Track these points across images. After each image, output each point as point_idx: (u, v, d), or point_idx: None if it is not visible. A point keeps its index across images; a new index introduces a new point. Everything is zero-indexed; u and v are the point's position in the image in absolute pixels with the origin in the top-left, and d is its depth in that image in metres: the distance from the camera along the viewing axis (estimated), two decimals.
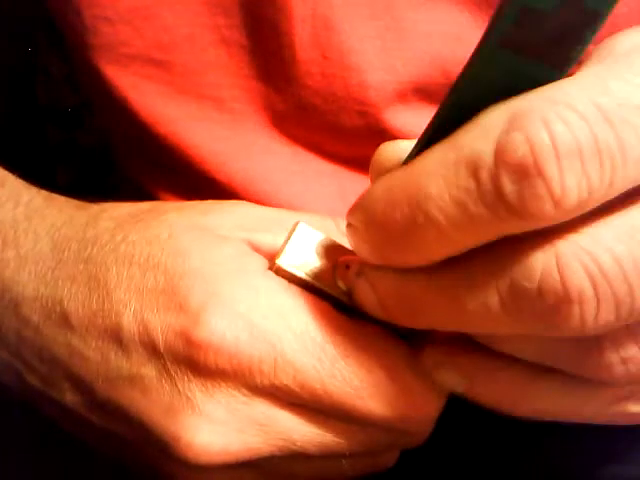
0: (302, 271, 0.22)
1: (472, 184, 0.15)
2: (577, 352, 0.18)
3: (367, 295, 0.21)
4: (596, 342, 0.17)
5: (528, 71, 0.16)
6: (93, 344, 0.22)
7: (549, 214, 0.15)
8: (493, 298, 0.17)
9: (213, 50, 0.31)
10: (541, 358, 0.19)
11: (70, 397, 0.23)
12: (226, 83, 0.32)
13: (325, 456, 0.23)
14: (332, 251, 0.23)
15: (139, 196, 0.37)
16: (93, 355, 0.22)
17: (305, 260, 0.23)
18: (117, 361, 0.22)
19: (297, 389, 0.21)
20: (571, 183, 0.14)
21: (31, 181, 0.28)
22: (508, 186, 0.15)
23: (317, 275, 0.23)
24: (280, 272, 0.23)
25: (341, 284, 0.22)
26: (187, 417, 0.21)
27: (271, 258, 0.23)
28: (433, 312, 0.19)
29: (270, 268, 0.23)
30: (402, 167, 0.18)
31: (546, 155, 0.14)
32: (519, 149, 0.14)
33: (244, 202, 0.26)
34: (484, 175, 0.15)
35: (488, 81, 0.16)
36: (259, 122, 0.32)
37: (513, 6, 0.14)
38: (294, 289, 0.22)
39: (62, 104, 0.44)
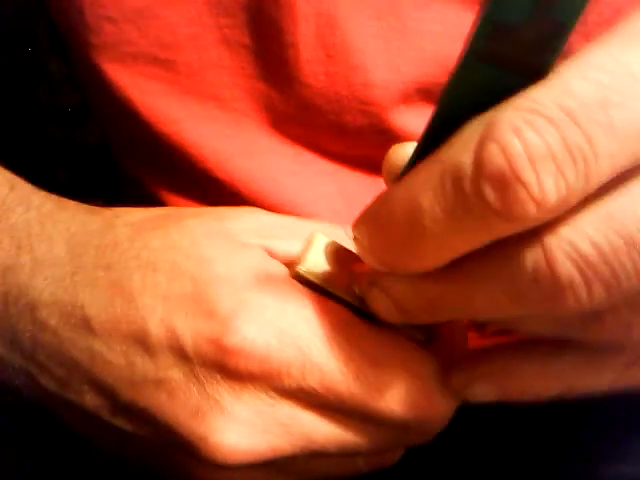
0: (321, 279, 0.23)
1: (458, 195, 0.16)
2: (583, 323, 0.19)
3: (380, 302, 0.21)
4: (596, 315, 0.19)
5: (506, 82, 0.16)
6: (117, 348, 0.23)
7: (533, 215, 0.16)
8: (498, 292, 0.18)
9: (215, 50, 0.31)
10: (555, 332, 0.20)
11: (91, 400, 0.24)
12: (228, 83, 0.32)
13: (344, 454, 0.24)
14: (346, 259, 0.24)
15: (140, 194, 0.37)
16: (117, 359, 0.23)
17: (322, 268, 0.24)
18: (143, 365, 0.22)
19: (323, 392, 0.22)
20: (549, 184, 0.15)
21: (32, 180, 0.28)
22: (491, 194, 0.16)
23: (335, 283, 0.23)
24: (300, 279, 0.23)
25: (357, 291, 0.23)
26: (215, 418, 0.22)
27: (288, 265, 0.24)
28: (448, 308, 0.20)
29: (290, 275, 0.24)
30: (399, 179, 0.19)
31: (521, 161, 0.15)
32: (495, 159, 0.15)
33: (257, 209, 0.26)
34: (467, 186, 0.16)
35: (470, 93, 0.17)
36: (261, 121, 0.33)
37: (486, 22, 0.15)
38: (317, 296, 0.23)
39: (62, 104, 0.44)
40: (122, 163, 0.38)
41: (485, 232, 0.17)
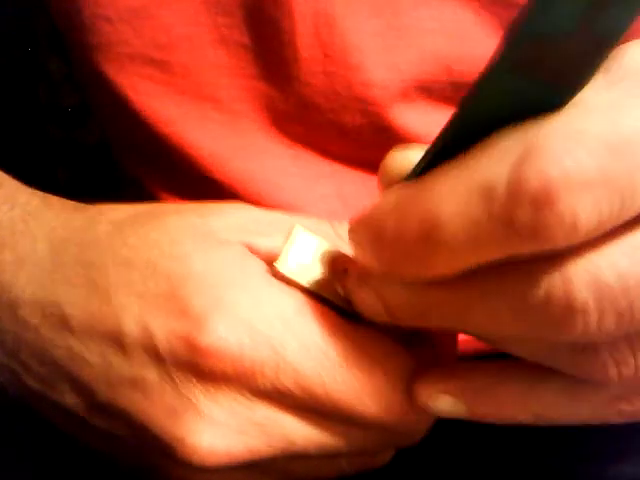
0: (300, 276, 0.23)
1: (485, 212, 0.15)
2: (574, 353, 0.18)
3: (368, 302, 0.21)
4: (593, 346, 0.18)
5: (537, 94, 0.16)
6: (93, 347, 0.22)
7: (560, 242, 0.15)
8: (503, 308, 0.17)
9: (212, 50, 0.31)
10: (540, 358, 0.19)
11: (71, 399, 0.23)
12: (225, 83, 0.32)
13: (324, 456, 0.23)
14: (330, 256, 0.23)
15: (140, 194, 0.37)
16: (93, 358, 0.22)
17: (303, 265, 0.23)
18: (118, 364, 0.22)
19: (299, 392, 0.22)
20: (583, 214, 0.15)
21: (32, 180, 0.28)
22: (521, 216, 0.15)
23: (315, 280, 0.23)
24: (279, 277, 0.23)
25: (339, 289, 0.23)
26: (190, 420, 0.21)
27: (269, 262, 0.23)
28: (443, 317, 0.19)
29: (269, 272, 0.23)
30: (412, 184, 0.18)
31: (559, 188, 0.15)
32: (533, 181, 0.15)
33: (241, 204, 0.26)
34: (497, 204, 0.15)
35: (496, 102, 0.16)
36: (259, 122, 0.32)
37: (524, 31, 0.14)
38: (295, 294, 0.23)
39: (62, 104, 0.44)
40: (122, 163, 0.38)
41: (505, 250, 0.16)
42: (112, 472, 0.29)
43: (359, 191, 0.34)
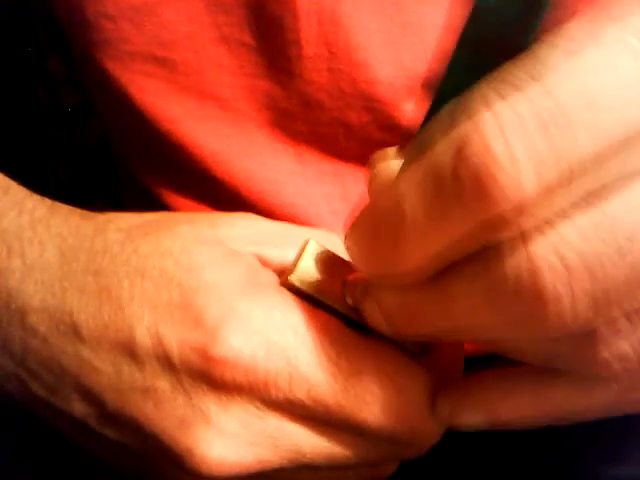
0: (312, 288, 0.23)
1: (439, 183, 0.16)
2: (572, 351, 0.18)
3: (373, 312, 0.21)
4: (590, 344, 0.18)
5: (488, 68, 0.16)
6: (104, 356, 0.22)
7: (507, 193, 0.15)
8: (481, 302, 0.17)
9: (213, 48, 0.31)
10: (543, 360, 0.20)
11: (79, 408, 0.23)
12: (227, 81, 0.31)
13: (332, 467, 0.24)
14: (340, 268, 0.24)
15: (140, 194, 0.37)
16: (104, 367, 0.22)
17: (315, 277, 0.23)
18: (130, 374, 0.22)
19: (311, 403, 0.22)
20: (519, 152, 0.15)
21: (32, 180, 0.28)
22: (464, 174, 0.15)
23: (326, 292, 0.23)
24: (291, 289, 0.23)
25: (349, 301, 0.23)
26: (201, 430, 0.21)
27: (280, 273, 0.24)
28: (431, 322, 0.19)
29: (281, 284, 0.23)
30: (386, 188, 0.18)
31: (492, 132, 0.15)
32: (465, 131, 0.15)
33: (251, 215, 0.26)
34: (447, 176, 0.16)
35: (457, 85, 0.16)
36: (261, 121, 0.32)
37: (474, 10, 0.16)
38: (307, 306, 0.23)
39: (62, 104, 0.44)
40: (123, 162, 0.38)
41: (465, 222, 0.16)
42: (112, 472, 0.29)
43: (363, 191, 0.33)
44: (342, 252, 0.24)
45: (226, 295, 0.22)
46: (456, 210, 0.16)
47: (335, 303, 0.23)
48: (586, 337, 0.18)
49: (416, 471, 0.31)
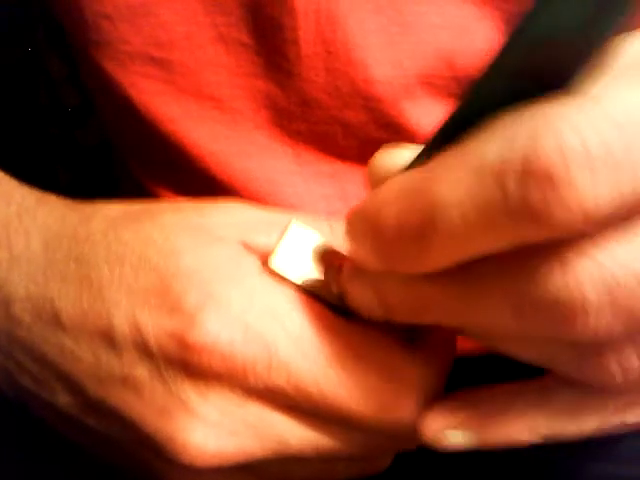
0: (294, 273, 0.22)
1: (498, 193, 0.15)
2: (579, 355, 0.18)
3: (362, 297, 0.20)
4: (599, 351, 0.17)
5: (535, 91, 0.15)
6: (84, 344, 0.22)
7: (576, 225, 0.14)
8: (504, 304, 0.17)
9: (211, 48, 0.31)
10: (545, 363, 0.19)
11: (62, 398, 0.23)
12: (225, 82, 0.31)
13: (321, 459, 0.23)
14: (324, 252, 0.23)
15: (140, 194, 0.37)
16: (85, 355, 0.22)
17: (297, 261, 0.22)
18: (109, 362, 0.22)
19: (291, 391, 0.21)
20: (603, 191, 0.14)
21: (33, 180, 0.28)
22: (536, 195, 0.14)
23: (309, 277, 0.22)
24: (272, 273, 0.22)
25: (333, 286, 0.22)
26: (181, 418, 0.21)
27: (265, 259, 0.23)
28: (440, 312, 0.18)
29: (264, 269, 0.23)
30: (413, 172, 0.17)
31: (578, 163, 0.14)
32: (549, 156, 0.14)
33: (239, 202, 0.25)
34: (511, 183, 0.14)
35: (495, 96, 0.16)
36: (260, 121, 0.32)
37: (523, 35, 0.14)
38: (289, 291, 0.22)
39: (62, 104, 0.44)
40: (122, 162, 0.38)
41: (514, 236, 0.15)
42: (110, 472, 0.29)
43: (361, 191, 0.33)
44: (328, 238, 0.23)
45: (205, 280, 0.21)
46: (506, 222, 0.15)
47: (317, 288, 0.22)
48: (600, 345, 0.17)
49: (410, 467, 0.31)
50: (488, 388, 0.21)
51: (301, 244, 0.23)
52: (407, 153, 0.20)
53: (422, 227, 0.16)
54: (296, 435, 0.22)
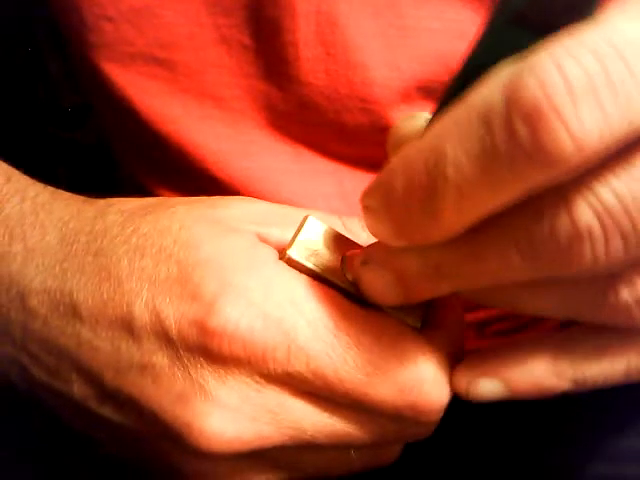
0: (311, 262, 0.23)
1: (486, 135, 0.15)
2: (595, 299, 0.18)
3: (376, 280, 0.21)
4: (612, 286, 0.18)
5: (534, 43, 0.15)
6: (103, 334, 0.22)
7: (569, 155, 0.14)
8: (512, 250, 0.17)
9: (213, 49, 0.31)
10: (563, 310, 0.19)
11: (79, 389, 0.23)
12: (227, 82, 0.32)
13: (335, 446, 0.23)
14: (340, 243, 0.23)
15: (140, 194, 0.37)
16: (103, 345, 0.22)
17: (314, 252, 0.23)
18: (128, 350, 0.22)
19: (310, 376, 0.22)
20: (589, 119, 0.14)
21: (32, 176, 0.28)
22: (523, 130, 0.14)
23: (326, 266, 0.23)
24: (290, 263, 0.23)
25: (349, 276, 0.23)
26: (199, 404, 0.21)
27: (280, 250, 0.23)
28: (454, 275, 0.19)
29: (280, 258, 0.23)
30: (419, 136, 0.17)
31: (560, 93, 0.14)
32: (531, 91, 0.14)
33: (250, 197, 0.26)
34: (497, 123, 0.15)
35: (496, 53, 0.16)
36: (260, 121, 0.32)
37: None
38: (306, 279, 0.23)
39: (62, 104, 0.44)
40: (122, 162, 0.38)
41: (515, 181, 0.15)
42: (113, 471, 0.29)
43: (361, 190, 0.33)
44: (342, 231, 0.24)
45: (224, 269, 0.22)
46: (503, 168, 0.15)
47: (334, 277, 0.23)
48: (610, 279, 0.18)
49: (415, 466, 0.32)
50: (511, 340, 0.22)
51: (317, 237, 0.23)
52: (420, 121, 0.20)
53: (428, 186, 0.16)
54: (312, 420, 0.22)
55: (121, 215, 0.24)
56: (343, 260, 0.23)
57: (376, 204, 0.19)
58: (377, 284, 0.21)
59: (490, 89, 0.15)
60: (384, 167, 0.18)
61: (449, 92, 0.18)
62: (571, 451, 0.34)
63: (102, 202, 0.25)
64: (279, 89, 0.31)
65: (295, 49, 0.30)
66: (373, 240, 0.22)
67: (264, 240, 0.24)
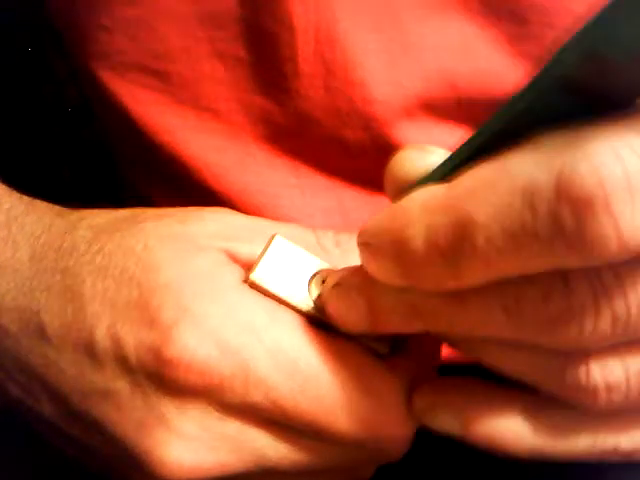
0: (275, 286, 0.22)
1: (528, 216, 0.14)
2: (562, 366, 0.18)
3: (347, 308, 0.20)
4: (586, 364, 0.17)
5: (586, 110, 0.15)
6: (68, 357, 0.22)
7: (611, 254, 0.14)
8: (498, 305, 0.17)
9: (208, 62, 0.30)
10: (529, 375, 0.19)
11: (47, 408, 0.23)
12: (223, 95, 0.31)
13: (300, 473, 0.23)
14: (307, 264, 0.23)
15: (139, 199, 0.37)
16: (68, 368, 0.22)
17: (279, 275, 0.22)
18: (91, 375, 0.22)
19: (269, 406, 0.21)
20: (638, 218, 0.14)
21: (38, 178, 0.28)
22: (570, 222, 0.14)
23: (291, 290, 0.22)
24: (253, 286, 0.22)
25: (316, 299, 0.22)
26: (159, 433, 0.21)
27: (248, 269, 0.23)
28: (432, 317, 0.18)
29: (245, 281, 0.23)
30: (442, 187, 0.16)
31: (618, 189, 0.13)
32: (586, 181, 0.13)
33: (225, 209, 0.25)
34: (542, 208, 0.14)
35: (539, 116, 0.15)
36: (257, 134, 0.32)
37: (579, 50, 0.13)
38: (268, 304, 0.22)
39: (67, 103, 0.44)
40: (121, 170, 0.38)
41: (546, 261, 0.15)
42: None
43: (359, 206, 0.33)
44: (313, 248, 0.24)
45: (183, 295, 0.21)
46: (537, 246, 0.14)
47: (298, 301, 0.22)
48: (584, 357, 0.17)
49: (415, 466, 0.31)
50: (485, 382, 0.21)
51: (283, 258, 0.23)
52: (428, 157, 0.19)
53: (452, 249, 0.16)
54: (274, 449, 0.22)
55: (90, 231, 0.24)
56: (310, 281, 0.22)
57: (382, 250, 0.18)
58: (346, 310, 0.20)
59: (537, 165, 0.14)
60: (391, 207, 0.18)
61: (478, 141, 0.17)
62: None
63: (75, 215, 0.25)
64: (277, 103, 0.31)
65: (294, 64, 0.29)
66: (346, 257, 0.21)
67: (233, 257, 0.23)
